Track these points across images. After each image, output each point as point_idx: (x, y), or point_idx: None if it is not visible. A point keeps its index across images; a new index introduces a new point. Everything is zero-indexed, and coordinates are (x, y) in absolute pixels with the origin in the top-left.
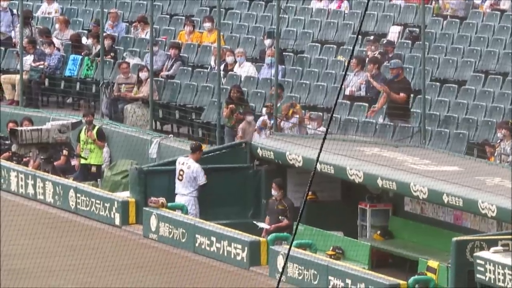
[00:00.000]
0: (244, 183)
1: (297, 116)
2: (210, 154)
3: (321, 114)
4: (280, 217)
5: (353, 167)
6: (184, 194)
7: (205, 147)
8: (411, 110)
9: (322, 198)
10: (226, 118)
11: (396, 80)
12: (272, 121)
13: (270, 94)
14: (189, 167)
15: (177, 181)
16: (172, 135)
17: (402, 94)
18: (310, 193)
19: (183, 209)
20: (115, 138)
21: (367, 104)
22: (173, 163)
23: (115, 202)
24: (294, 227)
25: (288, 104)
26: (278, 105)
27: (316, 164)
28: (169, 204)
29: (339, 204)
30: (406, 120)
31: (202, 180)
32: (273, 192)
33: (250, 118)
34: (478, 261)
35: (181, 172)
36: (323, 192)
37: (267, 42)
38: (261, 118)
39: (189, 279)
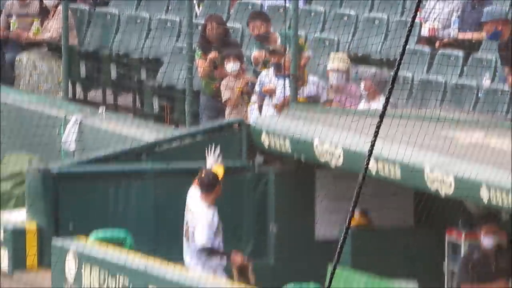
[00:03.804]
0: (239, 197)
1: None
2: (173, 146)
3: (377, 70)
4: None
5: (436, 167)
6: (193, 266)
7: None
8: None
9: (380, 222)
10: (203, 79)
11: None
12: (285, 83)
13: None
14: (192, 216)
15: (184, 240)
16: (104, 108)
17: None
18: (357, 214)
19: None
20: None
21: (461, 53)
22: (110, 160)
23: (1, 231)
24: (328, 274)
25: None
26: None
27: (367, 163)
28: (100, 232)
29: (410, 233)
30: None
31: (199, 240)
32: None
33: (248, 78)
34: None
35: (186, 226)
36: (381, 212)
37: None
38: (263, 78)
39: None
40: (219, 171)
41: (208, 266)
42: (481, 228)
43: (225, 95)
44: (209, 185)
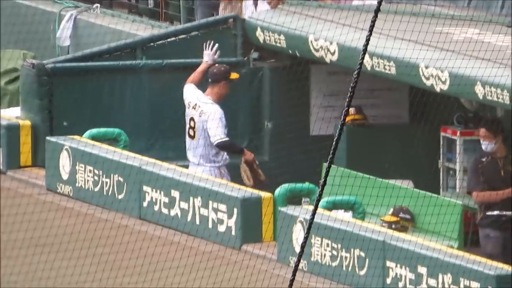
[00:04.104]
0: (233, 93)
1: None
2: (168, 42)
3: None
4: None
5: (431, 63)
6: (197, 163)
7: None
8: None
9: (375, 120)
10: None
11: None
12: None
13: None
14: (201, 113)
15: (187, 138)
16: (98, 5)
17: None
18: (352, 110)
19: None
20: None
21: None
22: (104, 56)
23: None
24: (323, 171)
25: None
26: None
27: (362, 58)
28: (94, 130)
29: (405, 131)
30: None
31: (216, 135)
32: None
33: None
34: None
35: (192, 123)
36: (376, 108)
37: None
38: None
39: (128, 273)
40: (233, 74)
41: (215, 163)
42: (479, 133)
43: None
44: (218, 76)
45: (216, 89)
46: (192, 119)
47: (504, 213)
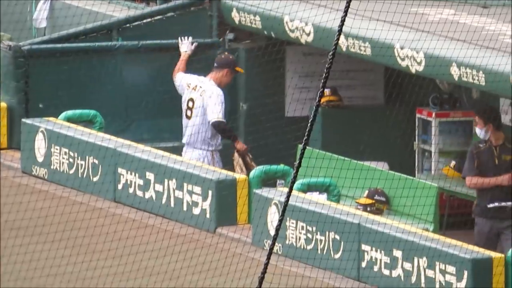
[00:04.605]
0: (208, 74)
1: None
2: (144, 22)
3: None
4: None
5: (406, 44)
6: (192, 144)
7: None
8: None
9: (350, 102)
10: None
11: None
12: None
13: None
14: (203, 92)
15: (184, 120)
16: None
17: None
18: (327, 91)
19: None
20: None
21: None
22: (80, 37)
23: None
24: (298, 153)
25: None
26: None
27: (337, 38)
28: (70, 112)
29: (380, 112)
30: None
31: (214, 113)
32: None
33: None
34: None
35: (190, 103)
36: (351, 90)
37: None
38: None
39: (103, 257)
40: (238, 68)
41: (209, 146)
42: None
43: None
44: (224, 62)
45: (220, 74)
46: (191, 99)
47: (495, 204)
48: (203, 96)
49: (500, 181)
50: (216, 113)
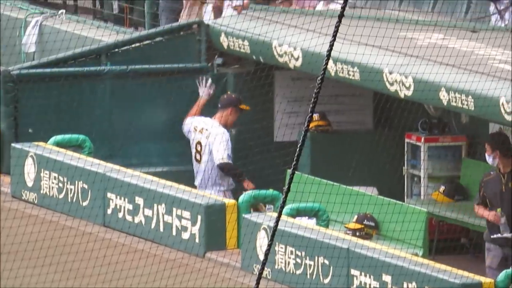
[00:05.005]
0: (196, 99)
1: None
2: (133, 47)
3: None
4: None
5: (395, 69)
6: (204, 187)
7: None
8: None
9: (339, 127)
10: None
11: None
12: None
13: None
14: (209, 135)
15: (194, 163)
16: (64, 11)
17: None
18: (316, 116)
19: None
20: None
21: None
22: (69, 62)
23: None
24: (287, 178)
25: None
26: None
27: (326, 63)
28: (59, 136)
29: (369, 137)
30: None
31: (218, 155)
32: None
33: None
34: None
35: (199, 147)
36: (340, 115)
37: None
38: None
39: (92, 282)
40: (244, 105)
41: (220, 186)
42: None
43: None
44: (226, 103)
45: (224, 114)
46: (199, 143)
47: (503, 235)
48: (209, 139)
49: (486, 215)
50: (220, 154)
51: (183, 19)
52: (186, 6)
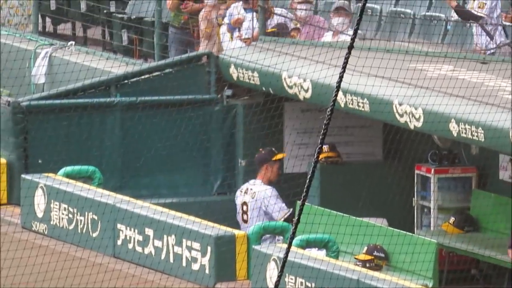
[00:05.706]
0: (206, 130)
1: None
2: (142, 78)
3: (347, 2)
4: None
5: (405, 100)
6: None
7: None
8: None
9: (349, 158)
10: (172, 11)
11: None
12: (253, 16)
13: None
14: (254, 194)
15: (241, 224)
16: (73, 42)
17: None
18: (325, 147)
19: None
20: None
21: None
22: (79, 93)
23: None
24: (296, 209)
25: None
26: None
27: (336, 95)
28: (69, 167)
29: (379, 168)
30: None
31: (278, 213)
32: None
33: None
34: None
35: (245, 207)
36: (350, 146)
37: None
38: (232, 11)
39: None
40: (278, 155)
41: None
42: None
43: (201, 26)
44: (259, 160)
45: (263, 172)
46: (244, 203)
47: None
48: (255, 198)
49: None
50: (281, 208)
51: (201, 50)
52: (204, 38)
